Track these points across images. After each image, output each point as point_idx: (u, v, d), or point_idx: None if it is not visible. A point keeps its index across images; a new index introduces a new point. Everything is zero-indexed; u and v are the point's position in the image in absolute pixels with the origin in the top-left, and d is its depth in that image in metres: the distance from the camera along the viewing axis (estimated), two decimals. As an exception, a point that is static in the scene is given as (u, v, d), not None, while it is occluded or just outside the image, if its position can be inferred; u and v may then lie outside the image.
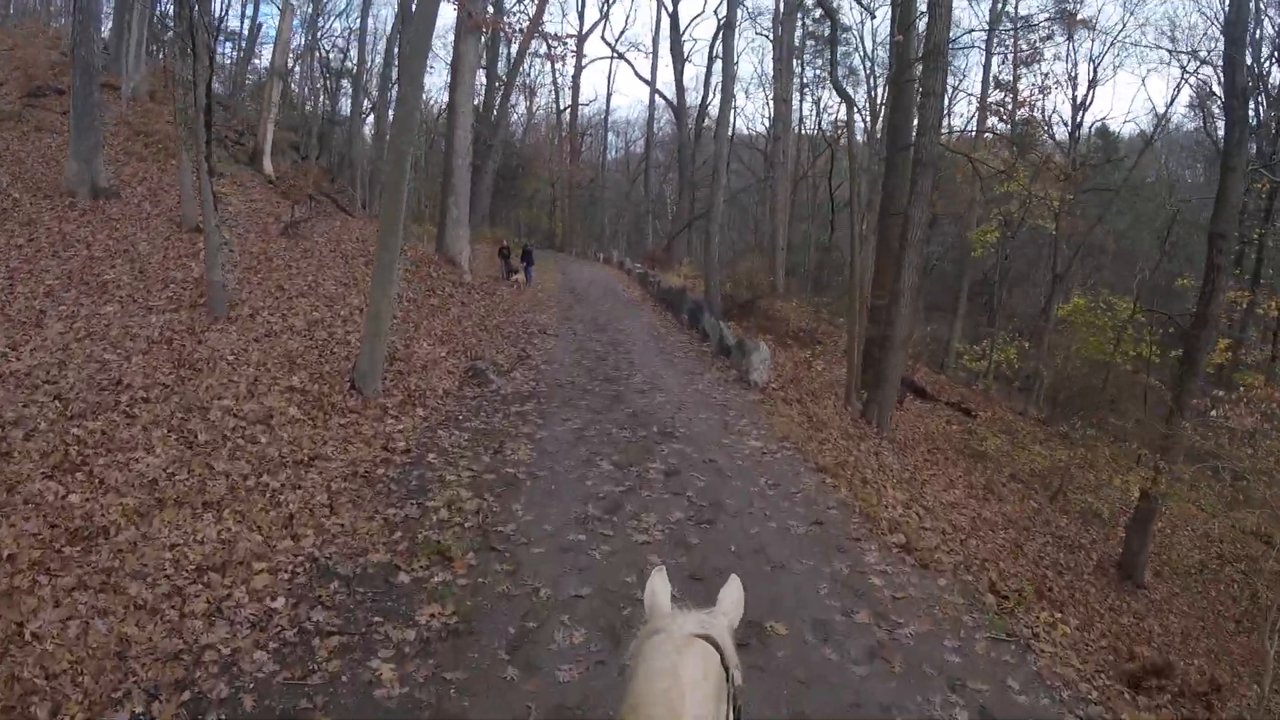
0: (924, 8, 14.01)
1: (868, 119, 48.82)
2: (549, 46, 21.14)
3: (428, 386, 10.13)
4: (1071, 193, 24.91)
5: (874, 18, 41.79)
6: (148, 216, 14.72)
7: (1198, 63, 29.23)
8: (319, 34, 41.43)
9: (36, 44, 28.71)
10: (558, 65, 53.09)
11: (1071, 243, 28.43)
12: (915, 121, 13.90)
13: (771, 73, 49.71)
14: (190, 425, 7.41)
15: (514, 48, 36.38)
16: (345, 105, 43.62)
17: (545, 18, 35.27)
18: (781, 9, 32.32)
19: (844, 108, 44.01)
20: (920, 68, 13.60)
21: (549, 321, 17.98)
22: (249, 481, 6.73)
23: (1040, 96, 26.15)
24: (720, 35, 46.63)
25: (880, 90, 45.97)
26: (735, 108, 45.51)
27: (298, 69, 42.42)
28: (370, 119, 42.32)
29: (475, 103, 33.28)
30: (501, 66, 37.60)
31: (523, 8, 35.33)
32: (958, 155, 17.34)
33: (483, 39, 42.21)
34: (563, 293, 24.34)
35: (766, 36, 40.08)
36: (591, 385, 11.60)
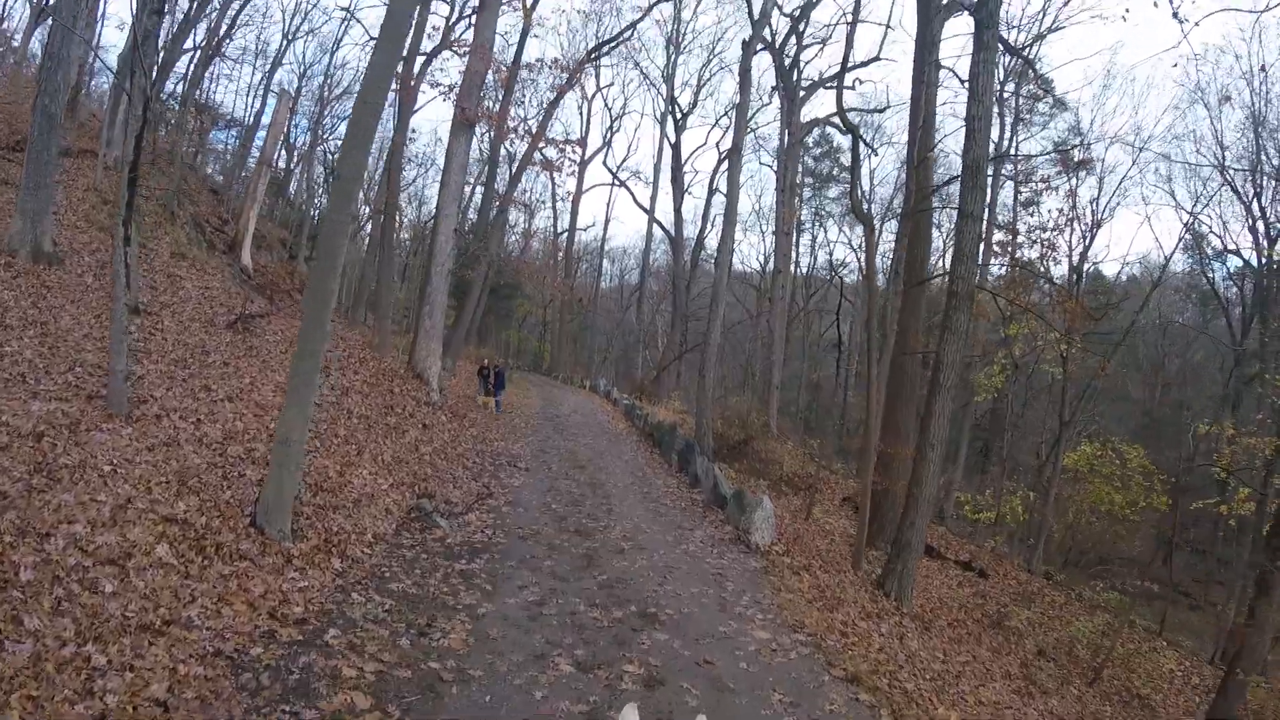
0: (943, 134, 12.84)
1: (862, 260, 48.72)
2: (557, 150, 19.92)
3: (354, 529, 8.09)
4: (1079, 335, 23.79)
5: (875, 154, 41.89)
6: (86, 289, 12.98)
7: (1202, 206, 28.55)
8: (323, 133, 41.09)
9: (28, 93, 27.80)
10: (558, 189, 53.31)
11: (1077, 387, 27.09)
12: (933, 251, 12.48)
13: (770, 207, 50.08)
14: (14, 556, 5.36)
15: (515, 161, 35.89)
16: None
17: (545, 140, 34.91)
18: (785, 140, 31.84)
19: (857, 235, 44.01)
20: (946, 198, 12.25)
21: (522, 453, 16.03)
22: (64, 651, 4.65)
23: (1053, 234, 25.23)
24: (724, 162, 46.80)
25: (881, 227, 46.07)
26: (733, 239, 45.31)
27: (298, 168, 42.14)
28: (368, 226, 41.61)
29: (469, 213, 32.39)
30: (500, 185, 36.95)
31: (524, 114, 35.12)
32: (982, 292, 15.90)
33: (479, 144, 42.26)
34: (543, 421, 22.45)
35: (770, 167, 39.84)
36: (560, 538, 9.54)
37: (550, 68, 18.24)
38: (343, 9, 36.61)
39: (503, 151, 39.85)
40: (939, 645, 11.63)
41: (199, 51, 34.78)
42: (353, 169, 6.29)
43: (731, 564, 9.73)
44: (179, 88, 32.11)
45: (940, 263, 22.31)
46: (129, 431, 8.25)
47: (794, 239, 39.68)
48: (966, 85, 13.33)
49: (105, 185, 19.09)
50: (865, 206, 46.07)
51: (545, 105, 18.63)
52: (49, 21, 14.75)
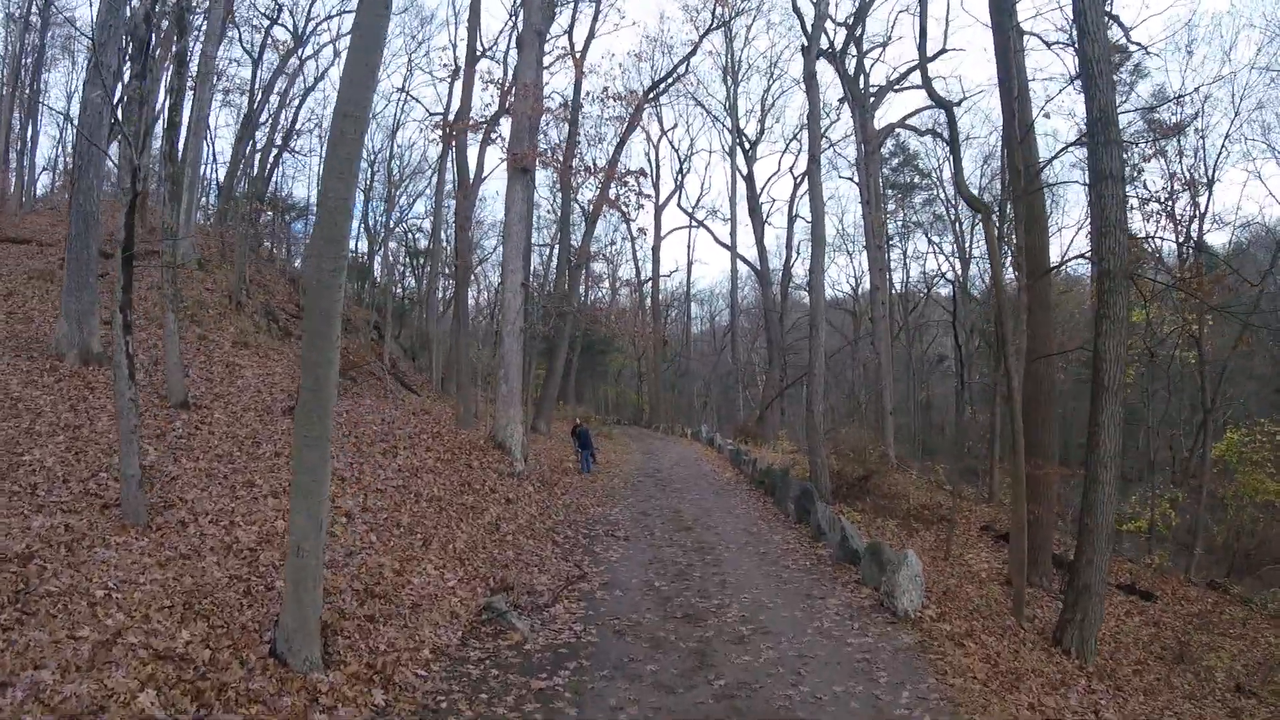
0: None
1: (958, 267, 45.83)
2: (624, 186, 18.61)
3: (409, 643, 6.61)
4: (1208, 313, 21.13)
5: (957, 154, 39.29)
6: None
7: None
8: (400, 213, 41.38)
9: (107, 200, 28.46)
10: (637, 239, 52.43)
11: (1213, 370, 23.97)
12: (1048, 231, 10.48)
13: (855, 225, 47.90)
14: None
15: (588, 213, 35.07)
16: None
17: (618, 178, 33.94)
18: (863, 150, 29.88)
19: (949, 242, 41.23)
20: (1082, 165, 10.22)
21: (621, 518, 14.47)
22: None
23: (1169, 203, 22.46)
24: (801, 184, 45.16)
25: (970, 233, 43.24)
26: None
27: (380, 250, 42.51)
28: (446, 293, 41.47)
29: (547, 269, 31.48)
30: (576, 240, 36.15)
31: (590, 160, 34.24)
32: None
33: (549, 198, 41.72)
34: (643, 478, 20.87)
35: (851, 179, 37.84)
36: (665, 628, 7.86)
37: (613, 100, 16.99)
38: (398, 89, 36.80)
39: (576, 210, 39.40)
40: (1138, 710, 9.45)
41: (262, 147, 35.59)
42: (334, 200, 4.95)
43: (879, 642, 7.85)
44: (241, 184, 32.66)
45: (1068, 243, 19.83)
46: (143, 544, 7.07)
47: (886, 252, 37.39)
48: (1074, 24, 11.39)
49: (167, 283, 18.79)
50: (950, 212, 43.64)
51: (612, 148, 17.31)
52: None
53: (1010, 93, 16.29)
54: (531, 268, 19.14)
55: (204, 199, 34.17)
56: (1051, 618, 13.79)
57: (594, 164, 17.35)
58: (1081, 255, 14.87)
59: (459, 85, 19.16)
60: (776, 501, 16.47)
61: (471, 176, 20.95)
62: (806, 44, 22.09)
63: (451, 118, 22.12)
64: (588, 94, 16.35)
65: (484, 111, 22.00)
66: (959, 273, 45.32)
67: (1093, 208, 10.59)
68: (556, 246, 36.53)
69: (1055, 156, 14.97)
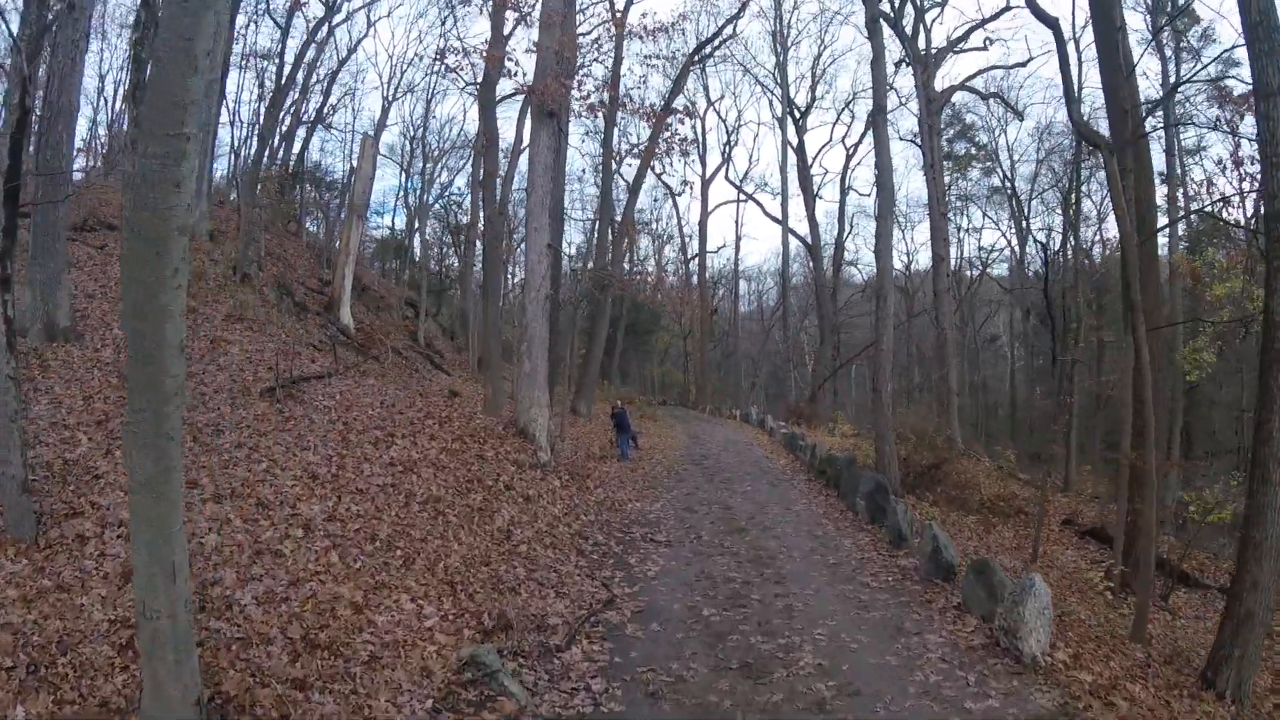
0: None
1: (1015, 244, 42.88)
2: (681, 142, 16.45)
3: (354, 724, 4.72)
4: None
5: (1021, 119, 36.67)
6: (94, 366, 10.58)
7: None
8: (439, 189, 39.78)
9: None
10: (683, 214, 50.28)
11: None
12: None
13: (909, 198, 45.04)
14: None
15: (630, 180, 33.08)
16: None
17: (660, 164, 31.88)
18: (925, 110, 27.22)
19: (1004, 219, 38.19)
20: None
21: (663, 516, 12.45)
22: None
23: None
24: (866, 134, 42.24)
25: (1028, 207, 40.31)
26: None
27: (418, 227, 41.11)
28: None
29: (572, 234, 29.45)
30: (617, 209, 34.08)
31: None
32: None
33: (586, 161, 39.66)
34: (688, 465, 18.82)
35: (913, 141, 35.11)
36: (717, 688, 5.79)
37: (658, 33, 14.78)
38: (435, 58, 34.76)
39: (620, 184, 37.32)
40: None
41: (292, 121, 34.03)
42: (174, 38, 2.98)
43: (1006, 706, 5.73)
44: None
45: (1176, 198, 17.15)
46: (15, 569, 5.25)
47: (949, 221, 34.73)
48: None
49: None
50: (1006, 186, 40.64)
51: (657, 109, 15.06)
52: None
53: (1110, 23, 13.87)
54: (564, 231, 17.20)
55: (229, 171, 32.89)
56: (1166, 635, 11.54)
57: (643, 104, 15.03)
58: (1222, 200, 12.32)
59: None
60: (841, 495, 14.31)
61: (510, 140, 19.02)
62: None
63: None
64: (642, 25, 14.31)
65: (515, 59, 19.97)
66: (1016, 248, 42.69)
67: (1260, 132, 8.25)
68: (598, 221, 34.62)
69: (1179, 85, 12.43)
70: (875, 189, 17.26)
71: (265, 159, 30.63)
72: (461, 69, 15.40)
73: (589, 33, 13.48)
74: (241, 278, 17.90)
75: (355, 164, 24.07)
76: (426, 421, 11.76)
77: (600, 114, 15.53)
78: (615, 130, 28.66)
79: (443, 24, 39.90)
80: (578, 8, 16.56)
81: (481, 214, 25.55)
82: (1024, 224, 41.70)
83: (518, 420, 13.11)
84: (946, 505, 17.38)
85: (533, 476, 11.62)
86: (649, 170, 36.29)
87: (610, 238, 30.41)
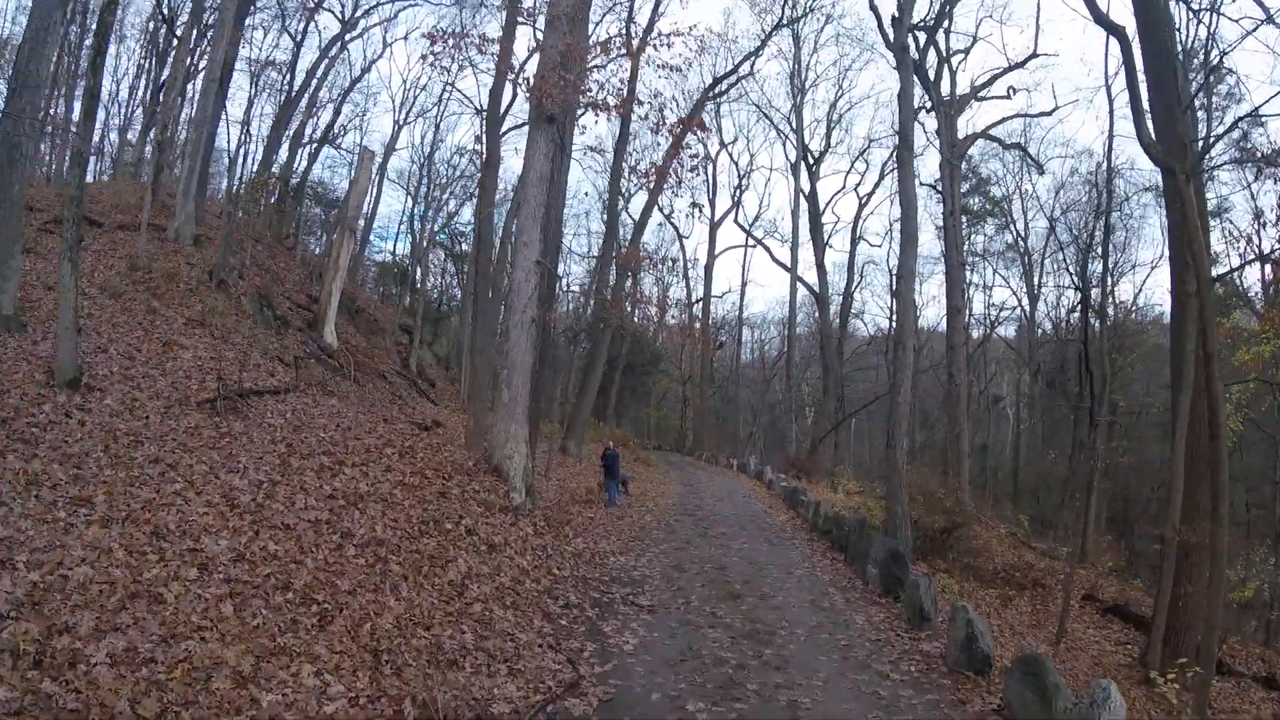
0: None
1: (1027, 306, 41.86)
2: (693, 170, 15.28)
3: None
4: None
5: (1041, 171, 35.87)
6: (26, 358, 9.31)
7: None
8: (441, 216, 38.82)
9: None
10: (689, 257, 49.41)
11: None
12: None
13: (923, 251, 43.99)
14: None
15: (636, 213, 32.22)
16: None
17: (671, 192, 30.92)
18: (948, 153, 26.14)
19: (1015, 276, 37.04)
20: None
21: (648, 574, 11.00)
22: None
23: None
24: (864, 207, 41.79)
25: (1040, 266, 39.44)
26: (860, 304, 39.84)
27: (426, 253, 40.17)
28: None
29: (568, 256, 28.27)
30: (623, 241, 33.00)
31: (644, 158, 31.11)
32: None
33: (592, 184, 38.66)
34: (680, 516, 17.35)
35: (934, 187, 34.09)
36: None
37: (678, 38, 13.64)
38: (446, 84, 33.98)
39: (624, 219, 36.35)
40: None
41: (298, 135, 33.24)
42: None
43: None
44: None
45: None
46: None
47: (967, 271, 33.64)
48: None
49: (145, 255, 16.03)
50: (1020, 244, 39.71)
51: (671, 126, 13.86)
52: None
53: (1164, 54, 12.80)
54: (562, 254, 15.74)
55: (234, 182, 31.94)
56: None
57: (659, 114, 13.85)
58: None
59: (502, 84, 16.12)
60: (849, 561, 12.86)
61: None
62: (898, 14, 18.76)
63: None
64: (663, 34, 13.27)
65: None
66: (1026, 308, 41.71)
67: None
68: (600, 255, 33.56)
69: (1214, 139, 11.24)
70: (900, 228, 16.11)
71: (267, 171, 29.79)
72: (448, 58, 14.09)
73: (600, 55, 12.27)
74: (217, 284, 16.69)
75: (353, 178, 23.05)
76: (385, 450, 10.36)
77: (608, 116, 14.31)
78: (625, 150, 27.62)
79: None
80: (591, 19, 15.47)
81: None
82: (1035, 283, 40.84)
83: (491, 456, 11.68)
84: (960, 574, 15.95)
85: (501, 521, 10.18)
86: (656, 207, 35.53)
87: (614, 270, 29.24)
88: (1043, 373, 39.87)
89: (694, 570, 11.51)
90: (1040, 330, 41.68)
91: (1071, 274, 34.87)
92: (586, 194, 73.01)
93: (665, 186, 19.44)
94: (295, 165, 34.05)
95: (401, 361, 26.47)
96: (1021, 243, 39.80)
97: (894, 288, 16.88)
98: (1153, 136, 10.90)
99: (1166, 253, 21.32)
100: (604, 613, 8.63)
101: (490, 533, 9.49)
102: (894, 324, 40.86)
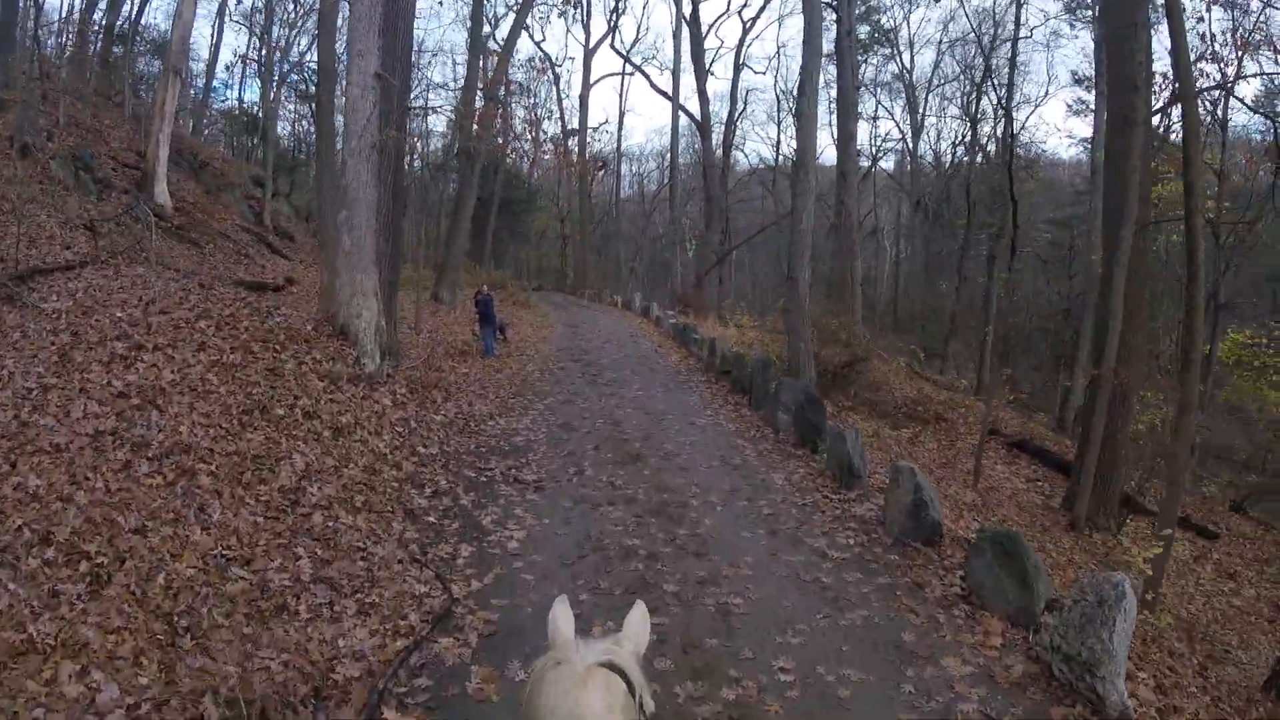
0: None
1: (910, 139, 41.24)
2: None
3: None
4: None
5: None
6: None
7: None
8: (292, 56, 34.10)
9: None
10: (562, 86, 45.95)
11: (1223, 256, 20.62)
12: None
13: (794, 87, 41.92)
14: None
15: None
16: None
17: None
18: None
19: (930, 89, 35.56)
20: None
21: (532, 438, 9.51)
22: None
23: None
24: (749, 32, 38.80)
25: (925, 99, 38.82)
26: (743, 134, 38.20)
27: (274, 98, 35.46)
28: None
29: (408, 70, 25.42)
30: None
31: None
32: None
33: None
34: (566, 362, 15.85)
35: (830, 5, 31.86)
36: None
37: None
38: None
39: (486, 28, 32.64)
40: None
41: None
42: None
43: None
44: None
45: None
46: None
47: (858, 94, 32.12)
48: None
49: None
50: (906, 77, 38.46)
51: None
52: None
53: None
54: (414, 67, 12.84)
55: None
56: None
57: None
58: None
59: None
60: (755, 405, 11.71)
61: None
62: None
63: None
64: None
65: None
66: (909, 141, 41.17)
67: None
68: (464, 85, 30.14)
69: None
70: (803, 39, 14.08)
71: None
72: None
73: None
74: (20, 149, 13.52)
75: (176, 10, 19.03)
76: (200, 324, 8.19)
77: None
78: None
79: None
80: None
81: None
82: (919, 116, 40.08)
83: (336, 316, 9.61)
84: (868, 413, 15.20)
85: (351, 395, 8.32)
86: (524, 29, 32.03)
87: (480, 98, 26.18)
88: (924, 204, 39.69)
89: (585, 429, 10.10)
90: (923, 161, 41.45)
91: (968, 104, 34.08)
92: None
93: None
94: (127, 11, 28.91)
95: (255, 217, 23.58)
96: (907, 74, 38.82)
97: (796, 108, 15.08)
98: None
99: (1101, 86, 20.30)
100: (481, 497, 7.10)
101: (336, 412, 7.66)
102: (791, 147, 39.52)
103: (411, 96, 12.42)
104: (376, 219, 9.80)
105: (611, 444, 9.29)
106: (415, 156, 45.55)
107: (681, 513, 6.94)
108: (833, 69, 26.94)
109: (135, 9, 30.24)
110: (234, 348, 7.93)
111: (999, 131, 31.22)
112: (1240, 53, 17.37)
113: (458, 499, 6.98)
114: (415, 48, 19.99)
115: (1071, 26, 32.25)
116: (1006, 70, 29.05)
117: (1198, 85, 13.43)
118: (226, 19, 34.74)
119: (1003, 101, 30.16)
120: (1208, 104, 18.71)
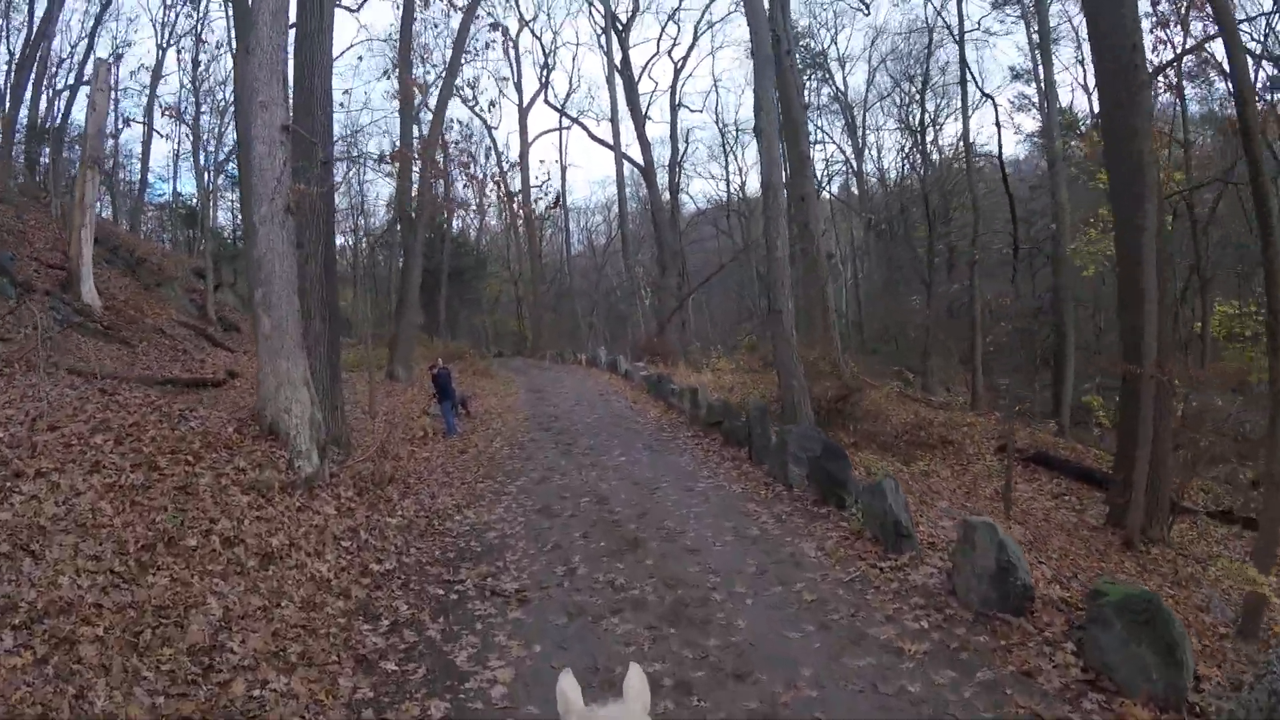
0: None
1: (853, 159, 40.93)
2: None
3: None
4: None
5: (867, 11, 34.40)
6: None
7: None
8: (226, 145, 32.85)
9: None
10: (500, 149, 45.22)
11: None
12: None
13: (740, 116, 41.50)
14: None
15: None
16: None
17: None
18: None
19: (866, 113, 35.54)
20: None
21: (507, 533, 8.02)
22: None
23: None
24: (681, 70, 37.93)
25: (863, 121, 38.72)
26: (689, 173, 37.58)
27: (212, 188, 34.13)
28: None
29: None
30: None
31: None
32: None
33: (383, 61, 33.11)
34: (537, 433, 14.38)
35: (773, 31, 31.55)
36: None
37: None
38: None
39: (418, 98, 31.64)
40: None
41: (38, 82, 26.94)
42: None
43: None
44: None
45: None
46: None
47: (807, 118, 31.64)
48: None
49: None
50: (842, 98, 38.30)
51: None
52: None
53: None
54: (333, 117, 11.30)
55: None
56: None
57: None
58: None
59: None
60: (755, 458, 10.38)
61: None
62: None
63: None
64: None
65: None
66: (853, 161, 40.93)
67: None
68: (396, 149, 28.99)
69: None
70: (752, 51, 13.14)
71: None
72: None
73: None
74: None
75: (89, 100, 17.60)
76: (95, 439, 6.68)
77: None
78: (411, 27, 23.35)
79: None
80: None
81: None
82: (860, 137, 39.87)
83: (263, 412, 8.11)
84: (866, 445, 13.95)
85: (285, 507, 6.80)
86: (455, 92, 31.08)
87: (415, 165, 24.97)
88: (875, 223, 39.32)
89: (568, 512, 8.65)
90: (869, 180, 41.22)
91: (908, 116, 33.86)
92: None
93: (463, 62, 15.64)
94: (52, 111, 27.88)
95: (199, 310, 22.19)
96: (842, 95, 38.65)
97: (756, 124, 14.09)
98: None
99: (1092, 61, 19.69)
100: (453, 623, 5.62)
101: (265, 533, 6.15)
102: (737, 182, 38.91)
103: (333, 150, 11.08)
104: (301, 295, 8.38)
105: (601, 528, 7.86)
106: (358, 233, 44.37)
107: (705, 614, 5.53)
108: (776, 94, 26.36)
109: (62, 109, 29.11)
110: (135, 465, 6.42)
111: (941, 141, 30.89)
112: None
113: (423, 629, 5.49)
114: (337, 104, 18.67)
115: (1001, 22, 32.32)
116: (958, 71, 28.51)
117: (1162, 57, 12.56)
118: (155, 113, 33.48)
119: (940, 110, 29.85)
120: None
